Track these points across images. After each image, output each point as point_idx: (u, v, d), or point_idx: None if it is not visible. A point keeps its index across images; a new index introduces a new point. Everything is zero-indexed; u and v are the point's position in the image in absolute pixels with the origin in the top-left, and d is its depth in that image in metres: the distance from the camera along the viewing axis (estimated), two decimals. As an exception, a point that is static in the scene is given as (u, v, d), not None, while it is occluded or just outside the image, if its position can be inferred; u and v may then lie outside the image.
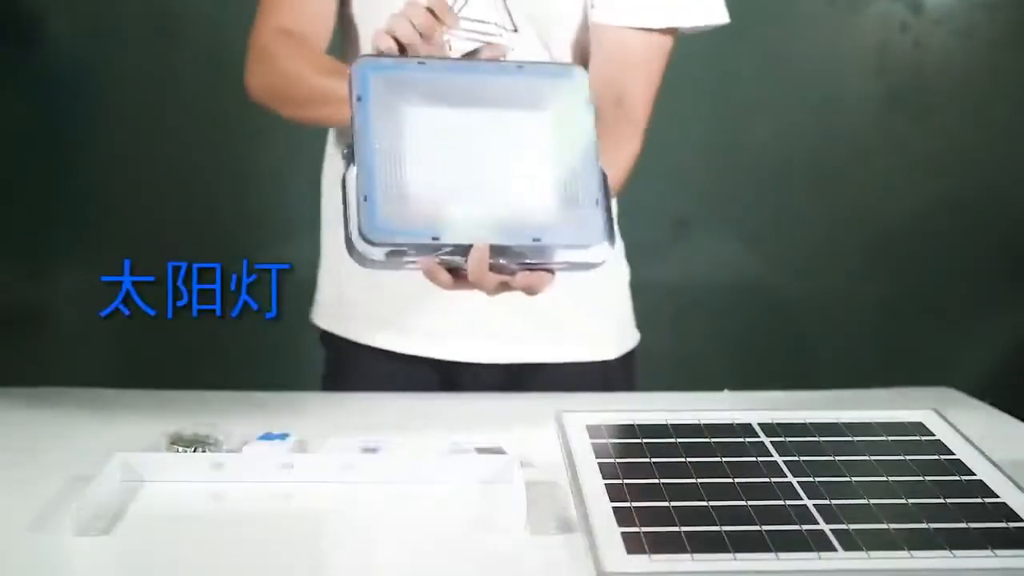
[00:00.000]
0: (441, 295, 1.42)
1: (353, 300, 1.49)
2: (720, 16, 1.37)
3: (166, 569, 0.92)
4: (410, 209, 1.04)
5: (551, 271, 1.07)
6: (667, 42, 1.36)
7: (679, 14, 1.34)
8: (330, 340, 1.54)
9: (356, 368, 1.51)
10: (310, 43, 1.38)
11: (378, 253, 1.03)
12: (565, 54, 1.38)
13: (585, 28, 1.37)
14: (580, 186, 1.07)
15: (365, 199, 1.03)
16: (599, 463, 1.01)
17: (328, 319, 1.53)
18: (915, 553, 0.86)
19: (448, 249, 1.04)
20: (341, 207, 1.04)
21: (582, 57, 1.39)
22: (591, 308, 1.48)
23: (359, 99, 1.05)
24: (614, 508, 0.92)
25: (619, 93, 1.34)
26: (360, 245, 1.03)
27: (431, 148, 1.06)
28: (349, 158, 1.05)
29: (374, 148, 1.04)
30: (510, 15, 1.34)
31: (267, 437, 1.14)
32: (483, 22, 1.34)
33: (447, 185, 1.05)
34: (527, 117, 1.09)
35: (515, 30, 1.35)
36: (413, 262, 1.06)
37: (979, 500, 0.96)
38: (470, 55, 1.15)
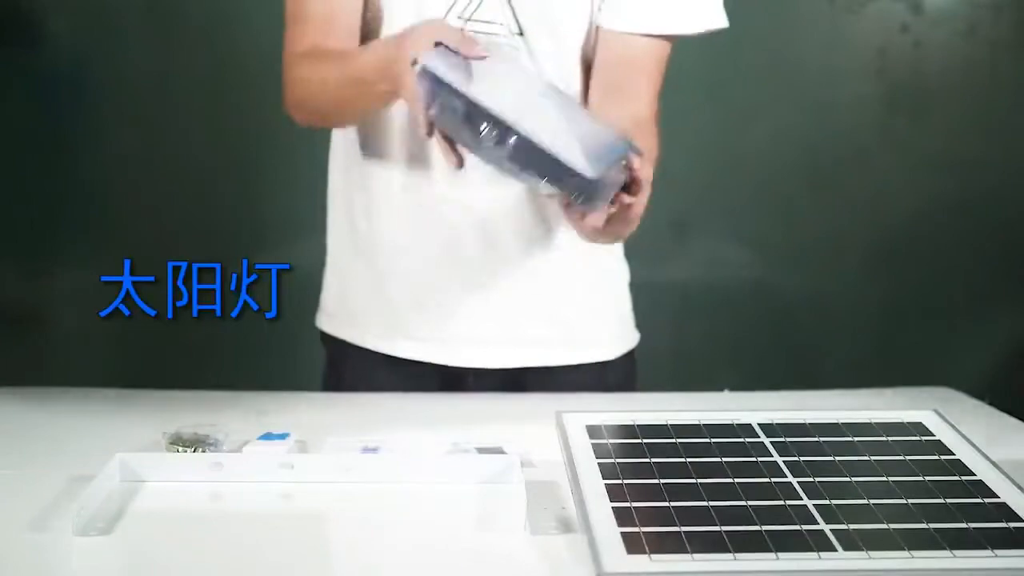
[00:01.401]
0: (443, 301, 1.43)
1: (356, 304, 1.49)
2: (719, 21, 1.41)
3: (166, 569, 0.92)
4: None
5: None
6: (668, 47, 1.41)
7: (682, 21, 1.38)
8: (332, 342, 1.53)
9: (357, 370, 1.51)
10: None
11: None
12: (571, 55, 1.39)
13: (590, 31, 1.39)
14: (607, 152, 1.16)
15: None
16: (599, 463, 1.01)
17: (331, 322, 1.53)
18: (915, 553, 0.86)
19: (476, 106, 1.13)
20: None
21: (586, 58, 1.40)
22: (591, 309, 1.49)
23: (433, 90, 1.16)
24: (614, 508, 0.92)
25: (625, 95, 1.37)
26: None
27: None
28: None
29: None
30: (516, 18, 1.36)
31: (267, 437, 1.14)
32: (490, 23, 1.35)
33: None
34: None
35: (520, 33, 1.36)
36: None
37: (979, 500, 0.96)
38: None
